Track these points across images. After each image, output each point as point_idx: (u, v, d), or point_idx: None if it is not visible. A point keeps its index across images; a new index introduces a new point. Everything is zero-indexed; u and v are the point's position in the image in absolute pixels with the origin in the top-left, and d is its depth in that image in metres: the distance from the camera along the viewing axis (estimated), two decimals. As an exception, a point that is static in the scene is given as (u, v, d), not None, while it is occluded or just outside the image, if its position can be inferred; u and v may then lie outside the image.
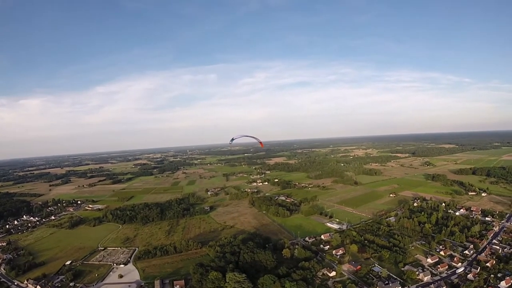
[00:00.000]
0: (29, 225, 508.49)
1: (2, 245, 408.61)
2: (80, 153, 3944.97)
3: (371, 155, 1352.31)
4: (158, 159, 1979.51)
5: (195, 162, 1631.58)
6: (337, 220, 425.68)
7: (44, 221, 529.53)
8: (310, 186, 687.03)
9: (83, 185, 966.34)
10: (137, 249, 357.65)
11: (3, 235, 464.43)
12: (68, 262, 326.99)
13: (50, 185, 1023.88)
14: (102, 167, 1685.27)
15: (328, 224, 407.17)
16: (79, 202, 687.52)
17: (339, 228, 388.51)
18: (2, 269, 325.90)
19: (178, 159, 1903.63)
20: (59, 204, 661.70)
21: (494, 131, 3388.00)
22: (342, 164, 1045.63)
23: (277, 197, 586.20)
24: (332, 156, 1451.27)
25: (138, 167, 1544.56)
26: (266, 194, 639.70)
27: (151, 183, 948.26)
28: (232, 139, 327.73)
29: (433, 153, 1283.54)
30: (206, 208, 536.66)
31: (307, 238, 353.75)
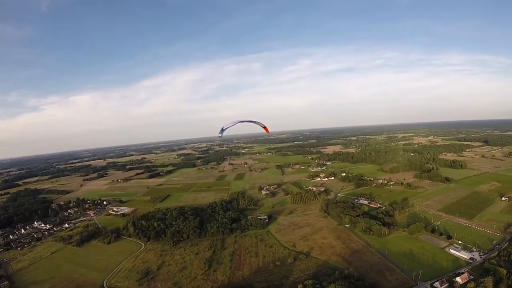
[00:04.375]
0: (35, 236, 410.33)
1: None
2: (128, 144, 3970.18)
3: (437, 143, 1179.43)
4: (203, 149, 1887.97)
5: (242, 151, 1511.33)
6: (460, 242, 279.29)
7: (54, 230, 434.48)
8: (391, 183, 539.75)
9: (118, 180, 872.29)
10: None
11: None
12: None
13: (84, 180, 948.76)
14: (144, 158, 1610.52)
15: (452, 251, 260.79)
16: (104, 202, 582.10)
17: (471, 258, 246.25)
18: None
19: (224, 148, 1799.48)
20: (81, 205, 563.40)
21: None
22: (411, 154, 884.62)
23: (356, 200, 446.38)
24: (393, 144, 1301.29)
25: (182, 157, 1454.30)
26: (339, 194, 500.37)
27: (193, 177, 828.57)
28: (222, 129, 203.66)
29: (509, 142, 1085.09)
30: (262, 217, 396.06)
31: (435, 282, 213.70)
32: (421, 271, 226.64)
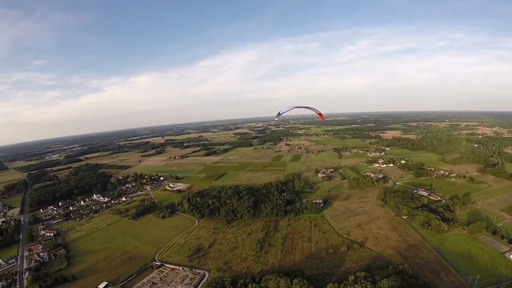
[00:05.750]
0: (93, 208, 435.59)
1: (49, 235, 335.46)
2: (185, 122, 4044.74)
3: (503, 136, 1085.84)
4: (260, 128, 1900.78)
5: (299, 132, 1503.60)
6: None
7: (112, 203, 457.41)
8: (452, 175, 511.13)
9: (175, 157, 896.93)
10: (207, 274, 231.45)
11: (58, 220, 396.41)
12: (101, 286, 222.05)
13: (142, 156, 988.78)
14: (202, 136, 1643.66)
15: None
16: (161, 178, 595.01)
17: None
18: (25, 277, 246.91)
19: (281, 128, 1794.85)
20: (138, 180, 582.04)
21: None
22: (475, 145, 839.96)
23: (415, 190, 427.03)
24: (455, 132, 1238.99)
25: (238, 136, 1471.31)
26: (397, 183, 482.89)
27: (249, 157, 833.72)
28: (279, 114, 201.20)
29: None
30: (317, 201, 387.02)
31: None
32: (478, 276, 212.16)
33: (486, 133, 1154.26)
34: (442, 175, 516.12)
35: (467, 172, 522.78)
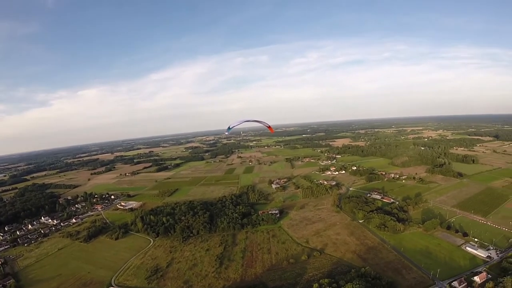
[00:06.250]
0: (42, 231, 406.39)
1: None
2: (135, 137, 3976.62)
3: (447, 138, 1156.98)
4: (211, 142, 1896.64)
5: (250, 144, 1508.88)
6: (477, 240, 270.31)
7: (61, 226, 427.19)
8: (403, 177, 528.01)
9: (125, 173, 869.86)
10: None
11: (5, 247, 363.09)
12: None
13: (92, 174, 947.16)
14: (152, 151, 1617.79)
15: (469, 249, 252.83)
16: (112, 196, 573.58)
17: (488, 257, 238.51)
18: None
19: (232, 141, 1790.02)
20: (88, 200, 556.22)
21: None
22: (422, 148, 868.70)
23: (368, 194, 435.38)
24: (402, 137, 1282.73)
25: (189, 150, 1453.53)
26: (350, 188, 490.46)
27: (201, 171, 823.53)
28: (229, 128, 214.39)
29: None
30: (274, 212, 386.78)
31: (454, 282, 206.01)
32: (438, 270, 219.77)
33: (431, 136, 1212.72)
34: (393, 178, 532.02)
35: (416, 173, 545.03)
